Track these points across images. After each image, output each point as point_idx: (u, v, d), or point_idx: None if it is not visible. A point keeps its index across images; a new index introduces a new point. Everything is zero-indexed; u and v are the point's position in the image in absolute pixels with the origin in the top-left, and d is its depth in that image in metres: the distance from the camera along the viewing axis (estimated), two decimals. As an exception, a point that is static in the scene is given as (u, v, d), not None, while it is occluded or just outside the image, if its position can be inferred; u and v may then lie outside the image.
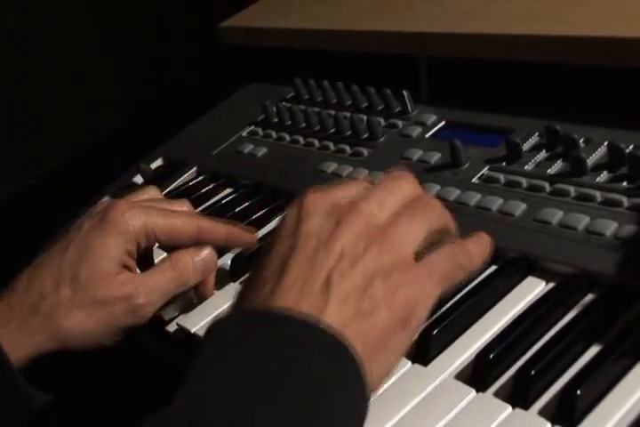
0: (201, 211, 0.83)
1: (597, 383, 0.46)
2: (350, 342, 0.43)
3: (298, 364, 0.42)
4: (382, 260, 0.47)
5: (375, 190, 0.52)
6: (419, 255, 0.49)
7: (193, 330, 0.63)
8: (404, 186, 0.52)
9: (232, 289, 0.68)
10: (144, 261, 0.66)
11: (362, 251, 0.47)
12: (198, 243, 0.65)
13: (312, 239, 0.48)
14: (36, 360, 0.59)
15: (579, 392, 0.45)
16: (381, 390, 0.50)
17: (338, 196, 0.51)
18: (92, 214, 0.64)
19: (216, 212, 0.81)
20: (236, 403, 0.40)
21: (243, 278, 0.69)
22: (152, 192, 0.70)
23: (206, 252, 0.65)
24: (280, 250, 0.49)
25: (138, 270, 0.64)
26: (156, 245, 0.66)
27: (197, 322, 0.64)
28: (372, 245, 0.47)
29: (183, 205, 0.68)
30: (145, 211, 0.63)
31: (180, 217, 0.65)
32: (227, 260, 0.72)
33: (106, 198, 0.94)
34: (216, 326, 0.45)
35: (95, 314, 0.60)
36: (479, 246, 0.51)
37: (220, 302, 0.66)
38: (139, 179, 0.94)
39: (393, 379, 0.51)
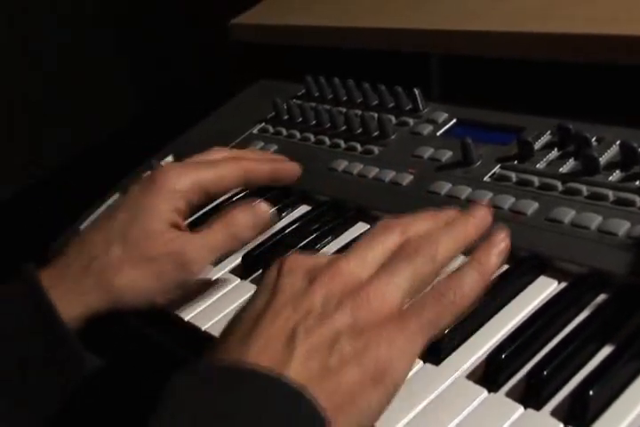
0: (211, 208, 0.83)
1: (610, 384, 0.46)
2: (314, 398, 0.42)
3: (255, 417, 0.41)
4: (355, 317, 0.46)
5: (358, 247, 0.51)
6: (405, 305, 0.47)
7: (204, 328, 0.63)
8: (387, 239, 0.51)
9: (242, 287, 0.68)
10: None
11: (333, 308, 0.46)
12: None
13: (284, 295, 0.48)
14: (88, 321, 0.60)
15: (591, 393, 0.44)
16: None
17: (320, 257, 0.51)
18: (139, 181, 0.66)
19: (223, 209, 0.81)
20: None
21: (254, 276, 0.69)
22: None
23: (261, 207, 0.66)
24: (254, 307, 0.49)
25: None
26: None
27: (208, 320, 0.64)
28: (344, 303, 0.47)
29: (220, 153, 0.71)
30: (190, 168, 0.66)
31: (225, 165, 0.67)
32: (237, 257, 0.72)
33: (116, 196, 0.94)
34: (178, 379, 0.45)
35: (145, 271, 0.61)
36: (471, 276, 0.48)
37: (230, 300, 0.66)
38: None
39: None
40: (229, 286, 0.68)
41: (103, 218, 0.65)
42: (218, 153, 0.71)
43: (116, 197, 0.94)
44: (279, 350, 0.45)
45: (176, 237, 0.62)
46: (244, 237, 0.65)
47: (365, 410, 0.44)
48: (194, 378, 0.45)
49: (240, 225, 0.64)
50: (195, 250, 0.62)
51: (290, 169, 0.71)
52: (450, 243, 0.50)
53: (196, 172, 0.66)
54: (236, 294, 0.66)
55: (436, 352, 0.52)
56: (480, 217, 0.53)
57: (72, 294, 0.60)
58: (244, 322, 0.48)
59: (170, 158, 0.97)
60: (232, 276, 0.70)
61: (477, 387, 0.49)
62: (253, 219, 0.65)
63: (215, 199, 0.72)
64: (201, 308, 0.66)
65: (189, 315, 0.65)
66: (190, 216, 0.70)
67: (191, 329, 0.65)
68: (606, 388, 0.45)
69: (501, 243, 0.50)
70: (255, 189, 0.83)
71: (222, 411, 0.42)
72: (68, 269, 0.61)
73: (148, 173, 0.67)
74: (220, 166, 0.67)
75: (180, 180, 0.64)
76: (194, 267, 0.62)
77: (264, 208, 0.66)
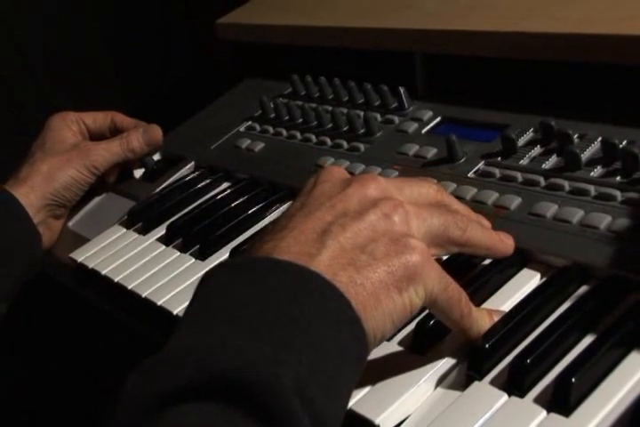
0: (198, 204, 0.84)
1: (592, 372, 0.47)
2: (341, 287, 0.44)
3: (277, 302, 0.43)
4: (392, 222, 0.48)
5: (395, 179, 0.55)
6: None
7: (175, 312, 0.66)
8: (425, 185, 0.54)
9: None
10: None
11: (369, 208, 0.48)
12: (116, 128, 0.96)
13: (320, 198, 0.50)
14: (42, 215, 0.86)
15: (573, 380, 0.45)
16: (380, 375, 0.51)
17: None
18: None
19: (213, 205, 0.82)
20: (221, 336, 0.41)
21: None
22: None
23: (152, 128, 0.94)
24: (291, 209, 0.51)
25: None
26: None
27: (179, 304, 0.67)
28: (382, 206, 0.48)
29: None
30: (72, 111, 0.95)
31: (99, 113, 0.97)
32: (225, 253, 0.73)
33: (104, 194, 0.95)
34: (207, 274, 0.47)
35: (63, 163, 0.87)
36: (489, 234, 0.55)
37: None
38: (138, 172, 0.95)
39: (392, 366, 0.52)
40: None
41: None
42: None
43: (104, 195, 0.95)
44: (310, 243, 0.46)
45: (80, 140, 0.93)
46: (134, 147, 0.92)
47: (388, 315, 0.45)
48: (224, 268, 0.47)
49: (131, 136, 0.92)
50: (95, 147, 0.90)
51: (151, 128, 0.94)
52: (483, 235, 0.54)
53: (78, 113, 0.95)
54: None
55: (421, 343, 0.53)
56: (510, 246, 0.57)
57: (25, 190, 0.85)
58: (281, 220, 0.50)
59: (157, 156, 0.97)
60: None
61: (462, 375, 0.50)
62: (142, 133, 0.92)
63: (99, 129, 0.96)
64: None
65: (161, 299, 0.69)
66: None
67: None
68: (588, 376, 0.46)
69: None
70: (242, 187, 0.84)
71: (245, 297, 0.43)
72: (13, 181, 0.87)
73: None
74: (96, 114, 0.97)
75: (67, 115, 0.94)
76: (96, 156, 0.89)
77: (154, 128, 0.94)
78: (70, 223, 0.92)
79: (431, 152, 0.74)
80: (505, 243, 0.56)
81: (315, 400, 0.40)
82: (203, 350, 0.40)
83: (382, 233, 0.47)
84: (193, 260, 0.74)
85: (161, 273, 0.73)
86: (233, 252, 0.71)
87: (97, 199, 0.94)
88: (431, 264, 0.47)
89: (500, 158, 0.69)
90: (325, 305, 0.43)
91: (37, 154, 0.88)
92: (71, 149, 0.89)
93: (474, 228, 0.53)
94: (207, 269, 0.69)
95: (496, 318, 0.52)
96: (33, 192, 0.85)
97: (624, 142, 0.63)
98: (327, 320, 0.43)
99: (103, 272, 0.76)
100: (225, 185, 0.87)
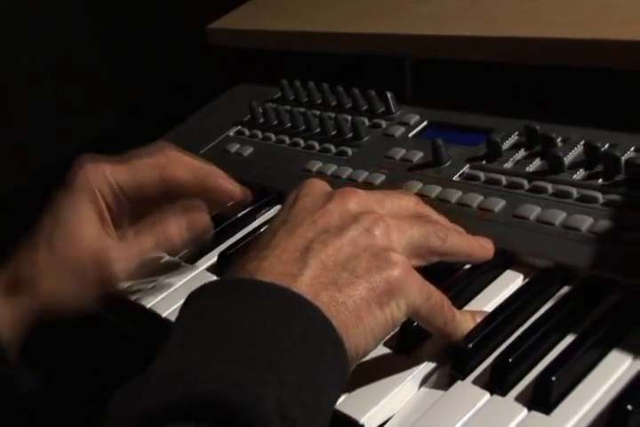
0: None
1: (572, 371, 0.47)
2: (322, 308, 0.44)
3: (261, 324, 0.43)
4: (373, 236, 0.48)
5: (376, 192, 0.54)
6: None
7: (164, 315, 0.66)
8: (404, 198, 0.55)
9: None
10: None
11: (350, 223, 0.49)
12: (173, 194, 0.63)
13: (301, 214, 0.50)
14: (25, 331, 0.60)
15: (554, 379, 0.46)
16: (362, 375, 0.52)
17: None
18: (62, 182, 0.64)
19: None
20: (206, 358, 0.42)
21: None
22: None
23: (194, 212, 0.63)
24: (274, 224, 0.52)
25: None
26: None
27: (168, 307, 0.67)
28: (363, 220, 0.49)
29: (163, 152, 0.66)
30: (108, 165, 0.63)
31: (141, 161, 0.63)
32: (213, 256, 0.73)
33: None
34: (191, 295, 0.47)
35: (70, 275, 0.59)
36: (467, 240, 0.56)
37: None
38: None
39: (374, 365, 0.53)
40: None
41: (32, 229, 0.62)
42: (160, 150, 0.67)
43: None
44: (293, 262, 0.47)
45: (100, 237, 0.60)
46: (174, 247, 0.62)
47: (370, 331, 0.46)
48: (209, 290, 0.47)
49: (171, 235, 0.61)
50: (119, 250, 0.60)
51: (226, 187, 0.65)
52: (462, 243, 0.55)
53: (110, 166, 0.63)
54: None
55: (405, 345, 0.54)
56: (490, 250, 0.58)
57: (3, 307, 0.59)
58: (263, 237, 0.50)
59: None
60: (208, 274, 0.71)
61: (446, 375, 0.51)
62: (182, 221, 0.62)
63: (143, 197, 0.65)
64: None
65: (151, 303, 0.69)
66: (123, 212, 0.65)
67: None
68: (568, 374, 0.47)
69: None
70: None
71: (230, 318, 0.44)
72: (3, 277, 0.61)
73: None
74: (136, 161, 0.63)
75: (97, 178, 0.62)
76: (118, 267, 0.60)
77: (201, 217, 0.63)
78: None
79: (417, 156, 0.75)
80: (484, 247, 0.57)
81: (297, 421, 0.40)
82: (187, 372, 0.41)
83: (363, 248, 0.48)
84: (182, 263, 0.74)
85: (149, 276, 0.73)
86: (221, 255, 0.72)
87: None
88: (412, 277, 0.48)
89: (484, 162, 0.70)
90: (308, 327, 0.44)
91: (41, 251, 0.60)
92: (87, 259, 0.60)
93: (453, 236, 0.54)
94: (196, 271, 0.72)
95: (479, 319, 0.53)
96: (16, 308, 0.60)
97: (606, 146, 0.64)
98: (310, 342, 0.43)
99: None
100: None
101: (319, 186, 0.55)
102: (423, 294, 0.48)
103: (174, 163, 0.65)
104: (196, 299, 0.47)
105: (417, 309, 0.48)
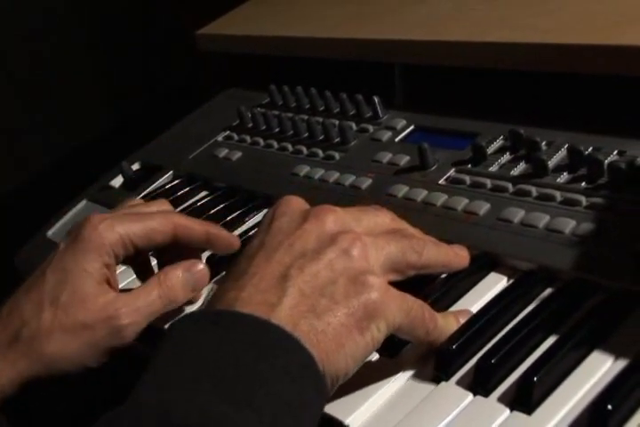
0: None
1: (554, 371, 0.48)
2: (302, 338, 0.44)
3: (241, 358, 0.43)
4: (350, 259, 0.49)
5: (353, 209, 0.55)
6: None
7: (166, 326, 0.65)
8: (380, 214, 0.56)
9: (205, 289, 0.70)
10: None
11: (327, 246, 0.49)
12: (181, 246, 0.63)
13: (278, 236, 0.50)
14: (23, 388, 0.57)
15: (535, 379, 0.47)
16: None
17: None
18: (68, 235, 0.62)
19: (191, 213, 0.83)
20: (184, 394, 0.42)
21: (216, 278, 0.70)
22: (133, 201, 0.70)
23: (197, 267, 0.62)
24: (251, 247, 0.51)
25: (119, 287, 0.64)
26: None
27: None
28: (340, 242, 0.49)
29: (161, 205, 0.67)
30: (118, 219, 0.62)
31: (155, 218, 0.63)
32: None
33: (83, 203, 0.96)
34: (171, 327, 0.47)
35: (77, 337, 0.57)
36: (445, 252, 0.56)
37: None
38: (117, 181, 0.96)
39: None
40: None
41: (33, 279, 0.61)
42: (158, 205, 0.68)
43: (83, 204, 0.96)
44: (271, 290, 0.47)
45: (109, 301, 0.59)
46: (178, 299, 0.62)
47: (351, 356, 0.46)
48: (189, 322, 0.47)
49: (175, 287, 0.61)
50: (128, 314, 0.58)
51: (226, 238, 0.65)
52: (438, 254, 0.56)
53: (123, 224, 0.61)
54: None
55: (390, 346, 0.54)
56: (465, 257, 0.59)
57: (2, 363, 0.57)
58: (240, 263, 0.50)
59: (137, 166, 0.98)
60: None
61: (429, 377, 0.52)
62: (189, 279, 0.62)
63: (148, 251, 0.67)
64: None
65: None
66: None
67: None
68: (550, 375, 0.48)
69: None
70: (220, 195, 0.85)
71: (209, 352, 0.44)
72: (1, 335, 0.58)
73: (76, 224, 0.63)
74: (149, 219, 0.63)
75: (108, 233, 0.60)
76: (128, 332, 0.58)
77: (200, 267, 0.63)
78: (50, 232, 0.92)
79: (404, 160, 0.75)
80: (459, 256, 0.58)
81: None
82: (165, 407, 0.41)
83: (340, 272, 0.48)
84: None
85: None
86: (209, 259, 0.72)
87: (76, 209, 0.95)
88: (390, 297, 0.49)
89: (470, 166, 0.71)
90: (287, 360, 0.44)
91: (46, 310, 0.58)
92: (96, 317, 0.58)
93: (430, 249, 0.55)
94: None
95: (463, 320, 0.54)
96: (13, 370, 0.57)
97: (590, 149, 0.65)
98: (289, 376, 0.43)
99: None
100: (203, 193, 0.88)
101: (296, 204, 0.54)
102: (402, 312, 0.49)
103: (182, 228, 0.64)
104: (176, 331, 0.47)
105: (397, 326, 0.49)
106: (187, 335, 0.46)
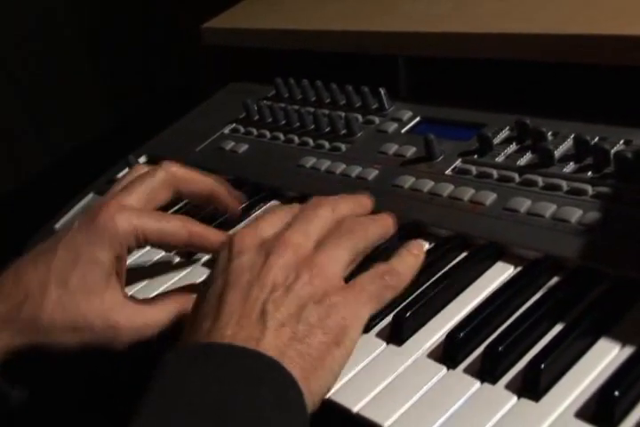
0: (183, 205, 0.85)
1: (561, 359, 0.48)
2: (289, 366, 0.47)
3: (237, 392, 0.45)
4: (313, 286, 0.52)
5: (297, 221, 0.57)
6: (348, 278, 0.55)
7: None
8: (322, 214, 0.58)
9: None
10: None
11: (293, 279, 0.52)
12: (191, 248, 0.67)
13: (245, 274, 0.53)
14: (12, 358, 0.58)
15: (543, 367, 0.47)
16: (358, 368, 0.53)
17: (264, 230, 0.56)
18: (84, 215, 0.63)
19: (197, 205, 0.83)
20: None
21: None
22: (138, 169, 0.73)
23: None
24: (215, 288, 0.53)
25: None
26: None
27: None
28: (302, 274, 0.52)
29: (169, 167, 0.70)
30: (136, 213, 0.62)
31: (171, 221, 0.64)
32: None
33: (90, 196, 0.96)
34: (163, 363, 0.48)
35: (74, 331, 0.58)
36: (406, 264, 0.58)
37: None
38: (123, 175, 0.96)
39: (369, 358, 0.54)
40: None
41: (43, 250, 0.61)
42: (162, 170, 0.69)
43: (90, 197, 0.96)
44: (253, 326, 0.49)
45: (114, 305, 0.59)
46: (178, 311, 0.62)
47: (330, 370, 0.50)
48: (181, 357, 0.49)
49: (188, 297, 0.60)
50: (128, 329, 0.59)
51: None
52: (377, 229, 0.59)
53: (141, 219, 0.62)
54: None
55: (398, 334, 0.55)
56: (392, 221, 0.62)
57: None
58: (208, 305, 0.52)
59: (143, 159, 0.99)
60: (204, 269, 0.72)
61: (437, 364, 0.52)
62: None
63: (157, 247, 0.70)
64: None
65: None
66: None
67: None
68: (557, 363, 0.48)
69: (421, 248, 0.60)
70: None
71: (203, 389, 0.45)
72: (1, 304, 0.59)
73: (95, 204, 0.63)
74: (166, 221, 0.64)
75: (124, 224, 0.61)
76: (123, 344, 0.59)
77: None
78: (57, 225, 0.93)
79: (410, 151, 0.76)
80: (388, 223, 0.61)
81: None
82: None
83: (308, 298, 0.51)
84: (177, 259, 0.75)
85: (145, 271, 0.74)
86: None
87: (83, 201, 0.95)
88: (355, 306, 0.53)
89: (476, 156, 0.71)
90: (280, 396, 0.46)
91: (53, 291, 0.58)
92: (96, 318, 0.59)
93: (369, 231, 0.58)
94: (191, 266, 0.72)
95: (416, 251, 0.59)
96: (9, 337, 0.58)
97: (596, 139, 0.65)
98: (284, 410, 0.46)
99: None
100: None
101: (250, 239, 0.55)
102: (372, 306, 0.54)
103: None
104: (167, 367, 0.48)
105: (370, 316, 0.55)
106: (177, 372, 0.47)
